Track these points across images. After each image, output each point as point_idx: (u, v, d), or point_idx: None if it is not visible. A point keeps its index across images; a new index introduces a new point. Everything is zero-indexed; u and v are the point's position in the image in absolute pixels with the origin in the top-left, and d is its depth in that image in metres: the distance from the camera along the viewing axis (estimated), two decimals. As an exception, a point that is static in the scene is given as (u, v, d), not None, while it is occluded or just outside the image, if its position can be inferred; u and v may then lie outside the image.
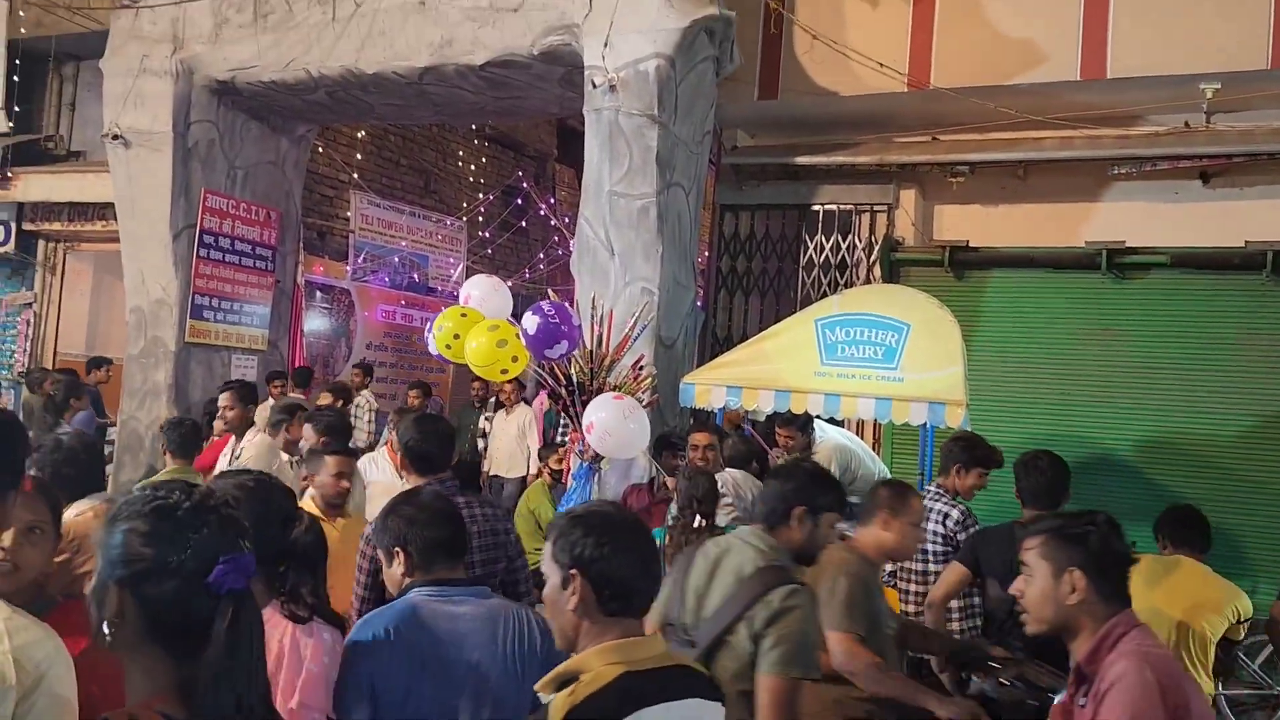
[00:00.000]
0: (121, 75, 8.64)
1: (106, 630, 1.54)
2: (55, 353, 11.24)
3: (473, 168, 13.78)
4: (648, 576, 2.04)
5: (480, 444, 9.60)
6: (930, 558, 4.45)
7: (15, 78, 10.82)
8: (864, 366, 5.63)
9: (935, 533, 4.44)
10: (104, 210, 10.32)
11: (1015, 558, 2.48)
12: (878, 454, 7.29)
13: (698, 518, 4.70)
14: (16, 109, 10.97)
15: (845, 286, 8.49)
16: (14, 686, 1.78)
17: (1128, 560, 2.37)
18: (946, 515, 4.45)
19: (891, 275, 8.34)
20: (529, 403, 9.28)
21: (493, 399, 9.83)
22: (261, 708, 1.55)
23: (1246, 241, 7.48)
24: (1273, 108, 7.33)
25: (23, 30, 10.68)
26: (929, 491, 4.60)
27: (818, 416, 6.17)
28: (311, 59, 7.99)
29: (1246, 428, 7.28)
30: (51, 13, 9.89)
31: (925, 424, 5.47)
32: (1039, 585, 2.36)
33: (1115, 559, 2.36)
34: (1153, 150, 7.63)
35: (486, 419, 9.54)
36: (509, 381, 8.91)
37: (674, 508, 4.99)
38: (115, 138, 8.54)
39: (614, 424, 4.82)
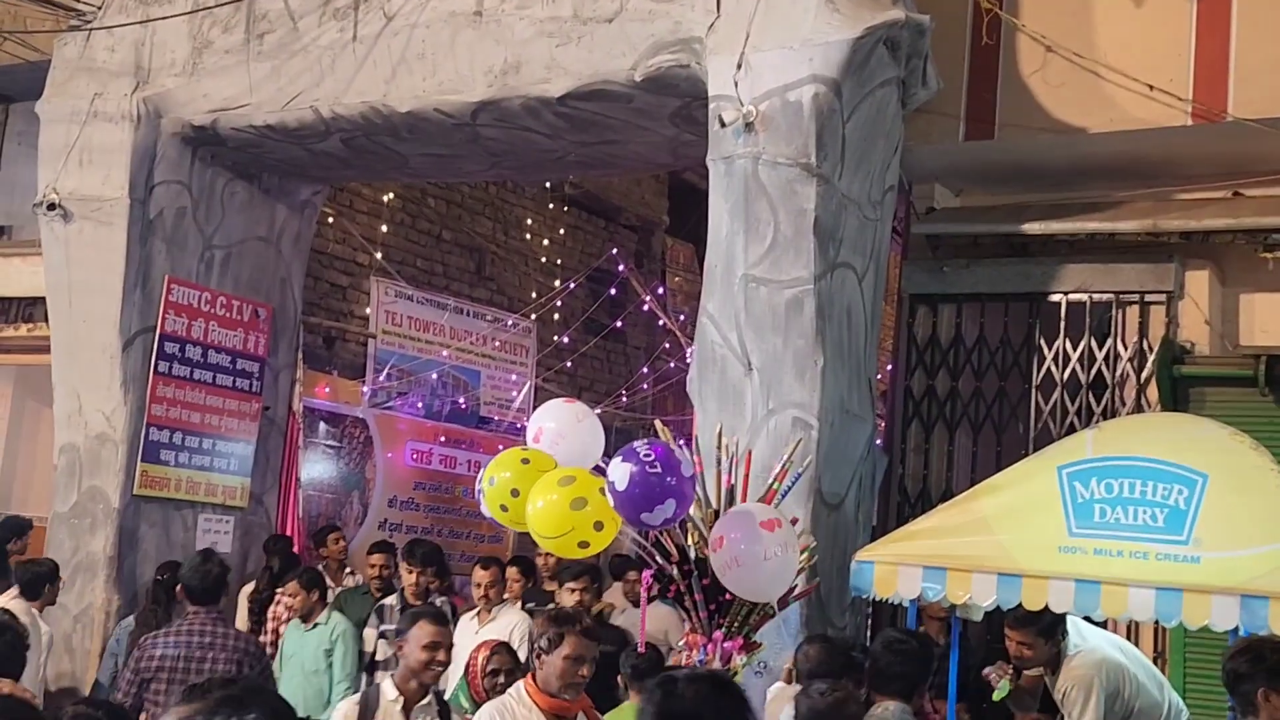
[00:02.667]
0: (64, 121, 9.12)
1: None
2: (-44, 510, 11.72)
3: (545, 243, 14.09)
4: None
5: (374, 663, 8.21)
6: None
7: (-77, 127, 11.55)
8: (1137, 539, 5.46)
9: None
10: (31, 308, 10.78)
11: None
12: (1164, 673, 7.00)
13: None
14: (-77, 170, 11.65)
15: (1103, 416, 8.37)
16: None
17: None
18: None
19: (1175, 398, 8.18)
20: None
21: (399, 589, 8.36)
22: None
23: None
24: None
25: (-64, 63, 11.51)
26: None
27: (1066, 614, 5.99)
28: (323, 93, 8.33)
29: None
30: (-25, 38, 10.65)
31: (1237, 629, 5.23)
32: None
33: None
34: None
35: (385, 634, 8.14)
36: (487, 566, 8.13)
37: None
38: (52, 207, 9.00)
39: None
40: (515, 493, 5.36)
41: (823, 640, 5.86)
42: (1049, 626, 6.18)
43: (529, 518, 5.25)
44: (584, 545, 5.31)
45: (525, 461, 5.48)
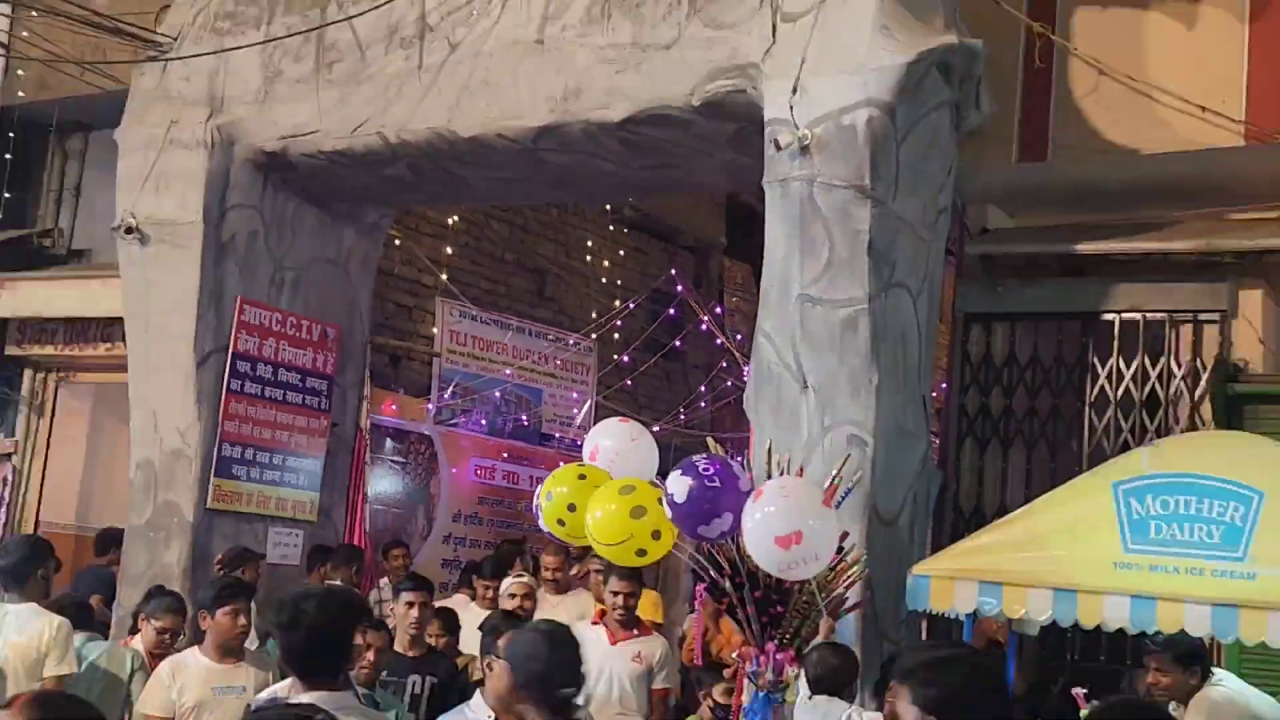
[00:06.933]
0: (141, 149, 9.21)
1: None
2: (37, 522, 11.67)
3: (606, 264, 14.13)
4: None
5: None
6: None
7: (8, 155, 11.29)
8: (1192, 555, 5.44)
9: None
10: (110, 329, 10.92)
11: None
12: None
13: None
14: (7, 195, 11.37)
15: (1157, 434, 8.30)
16: None
17: None
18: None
19: (1230, 417, 8.07)
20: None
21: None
22: None
23: None
24: None
25: (21, 94, 11.23)
26: None
27: (1202, 648, 6.02)
28: (390, 120, 8.39)
29: None
30: (58, 70, 10.33)
31: (1294, 646, 5.36)
32: None
33: None
34: None
35: (389, 610, 8.03)
36: (554, 551, 8.48)
37: None
38: (129, 231, 9.03)
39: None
40: (572, 507, 5.62)
41: (831, 646, 5.75)
42: (1185, 656, 6.10)
43: (589, 526, 5.43)
44: (641, 553, 5.50)
45: (582, 477, 5.70)
